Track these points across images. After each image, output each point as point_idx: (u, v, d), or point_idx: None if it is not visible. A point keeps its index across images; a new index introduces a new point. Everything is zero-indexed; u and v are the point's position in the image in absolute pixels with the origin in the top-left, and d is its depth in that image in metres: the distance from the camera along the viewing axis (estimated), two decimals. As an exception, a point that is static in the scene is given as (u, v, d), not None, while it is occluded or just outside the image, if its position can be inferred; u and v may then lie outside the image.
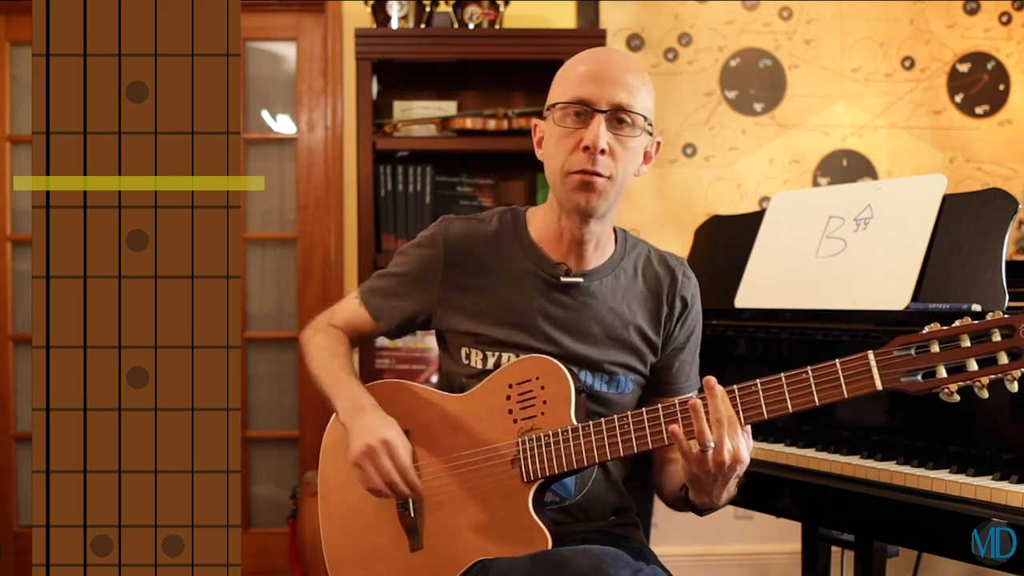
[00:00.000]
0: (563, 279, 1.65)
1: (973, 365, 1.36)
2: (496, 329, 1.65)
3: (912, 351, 1.39)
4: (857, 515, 1.73)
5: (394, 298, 1.74)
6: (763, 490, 1.89)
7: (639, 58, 3.59)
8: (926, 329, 1.39)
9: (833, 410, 1.93)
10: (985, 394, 1.36)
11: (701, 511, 1.59)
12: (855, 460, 1.75)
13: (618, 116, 1.56)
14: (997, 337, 1.35)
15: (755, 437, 1.98)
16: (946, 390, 1.37)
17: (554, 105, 1.60)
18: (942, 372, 1.37)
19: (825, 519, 2.04)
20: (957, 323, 1.38)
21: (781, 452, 1.89)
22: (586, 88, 1.56)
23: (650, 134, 1.61)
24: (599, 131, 1.54)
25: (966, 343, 1.36)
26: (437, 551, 1.60)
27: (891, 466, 1.69)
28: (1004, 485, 1.52)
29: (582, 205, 1.58)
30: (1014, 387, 1.35)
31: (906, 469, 1.67)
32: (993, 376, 1.35)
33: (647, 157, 1.64)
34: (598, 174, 1.55)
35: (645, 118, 1.58)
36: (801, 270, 2.08)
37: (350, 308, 1.80)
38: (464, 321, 1.67)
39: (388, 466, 1.55)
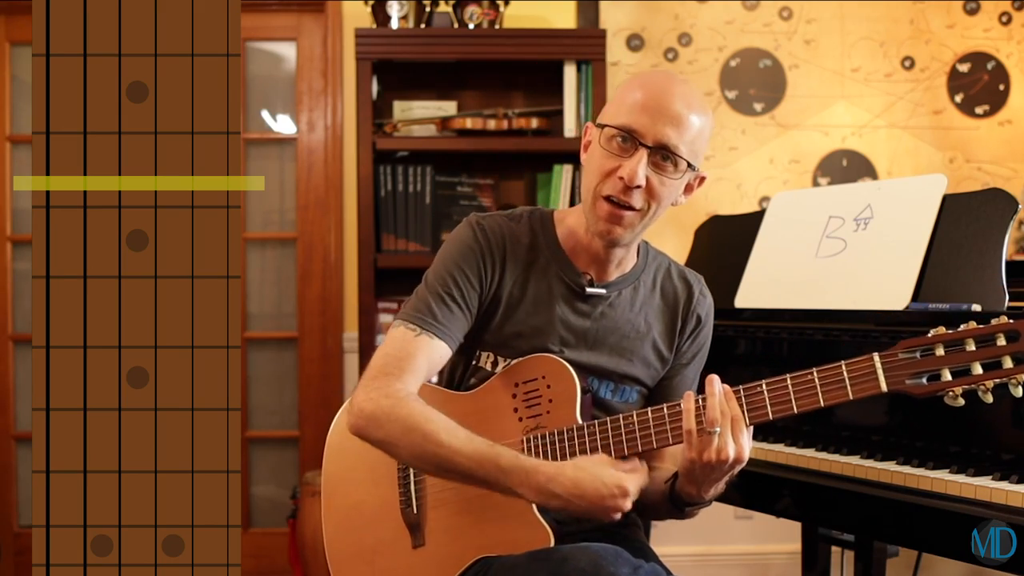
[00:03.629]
0: (588, 290, 1.64)
1: (978, 369, 1.36)
2: (513, 330, 1.63)
3: (917, 354, 1.39)
4: (857, 515, 1.73)
5: (458, 312, 1.61)
6: (763, 490, 1.89)
7: (639, 58, 3.60)
8: (931, 332, 1.39)
9: (834, 410, 1.93)
10: (989, 398, 1.36)
11: (684, 506, 1.56)
12: (855, 460, 1.75)
13: (662, 154, 1.52)
14: (1002, 341, 1.35)
15: (755, 437, 1.98)
16: (951, 393, 1.38)
17: (605, 125, 1.55)
18: (947, 375, 1.38)
19: (825, 519, 2.04)
20: (962, 327, 1.38)
21: (781, 452, 1.89)
22: (637, 118, 1.51)
23: (694, 169, 1.57)
24: (638, 167, 1.51)
25: (971, 347, 1.37)
26: (439, 548, 1.61)
27: (891, 466, 1.69)
28: (1004, 485, 1.52)
29: (606, 234, 1.57)
30: (1018, 392, 1.35)
31: (906, 469, 1.67)
32: (998, 380, 1.35)
33: (688, 189, 1.62)
34: (630, 207, 1.54)
35: (689, 164, 1.54)
36: (801, 270, 2.08)
37: (415, 348, 1.56)
38: (490, 318, 1.64)
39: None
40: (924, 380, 1.39)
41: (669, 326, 1.70)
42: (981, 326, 1.37)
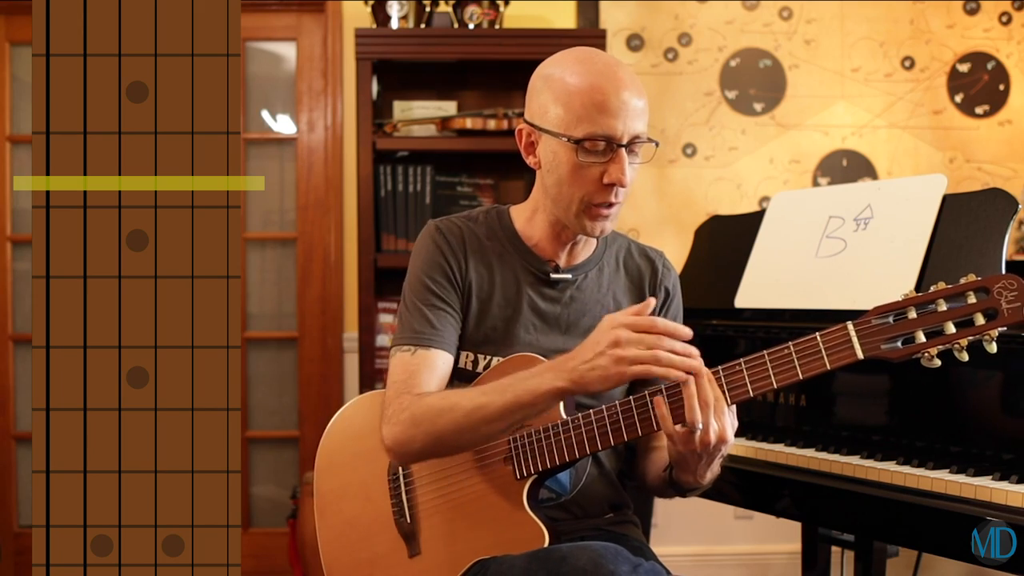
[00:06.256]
0: (552, 275, 1.67)
1: (951, 328, 1.37)
2: (487, 325, 1.65)
3: (890, 319, 1.40)
4: (857, 515, 1.73)
5: (445, 316, 1.64)
6: (763, 490, 1.89)
7: (639, 58, 3.60)
8: (901, 296, 1.40)
9: (833, 409, 1.93)
10: (965, 356, 1.37)
11: (685, 491, 1.59)
12: (855, 460, 1.75)
13: (635, 145, 1.55)
14: (972, 299, 1.37)
15: (755, 437, 2.00)
16: (926, 355, 1.39)
17: (577, 140, 1.53)
18: (921, 337, 1.38)
19: (825, 519, 2.04)
20: (932, 288, 1.39)
21: (781, 452, 1.89)
22: (607, 122, 1.51)
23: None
24: (625, 168, 1.53)
25: (942, 307, 1.38)
26: (435, 555, 1.61)
27: (891, 466, 1.69)
28: (1004, 485, 1.52)
29: (596, 233, 1.61)
30: (992, 347, 1.36)
31: (906, 469, 1.67)
32: (972, 337, 1.36)
33: None
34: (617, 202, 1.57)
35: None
36: (801, 270, 2.08)
37: (415, 365, 1.60)
38: (465, 318, 1.67)
39: (639, 350, 1.42)
40: (899, 344, 1.40)
41: (638, 303, 1.70)
42: (950, 286, 1.38)
